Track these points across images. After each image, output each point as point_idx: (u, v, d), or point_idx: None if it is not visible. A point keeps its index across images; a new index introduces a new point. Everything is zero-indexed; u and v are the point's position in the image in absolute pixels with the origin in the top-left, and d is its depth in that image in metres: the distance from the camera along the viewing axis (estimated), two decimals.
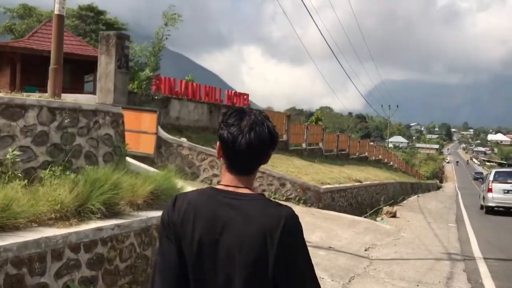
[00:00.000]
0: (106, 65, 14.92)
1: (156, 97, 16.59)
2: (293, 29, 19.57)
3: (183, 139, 15.26)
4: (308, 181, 15.61)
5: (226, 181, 1.67)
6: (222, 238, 1.57)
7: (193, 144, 14.87)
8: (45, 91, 10.49)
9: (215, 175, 14.38)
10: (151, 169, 8.83)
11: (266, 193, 13.80)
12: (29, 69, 21.30)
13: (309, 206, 14.39)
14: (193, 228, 1.59)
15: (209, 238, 1.58)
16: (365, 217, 18.21)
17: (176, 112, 18.12)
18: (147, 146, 14.31)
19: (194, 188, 1.90)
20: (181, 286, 1.61)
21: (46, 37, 23.60)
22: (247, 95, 23.26)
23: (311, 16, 16.14)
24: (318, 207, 14.51)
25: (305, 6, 14.19)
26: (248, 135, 1.59)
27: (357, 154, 37.11)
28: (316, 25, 17.72)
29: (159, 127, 14.68)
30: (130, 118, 14.51)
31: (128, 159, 8.93)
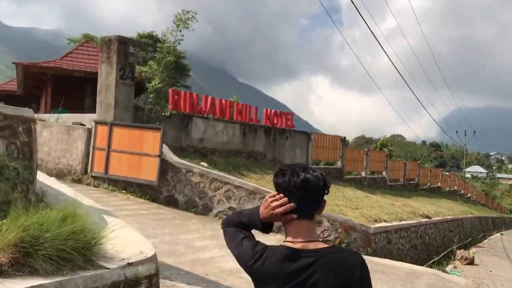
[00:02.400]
0: (107, 76, 12.58)
1: (172, 115, 13.99)
2: (359, 61, 18.78)
3: (191, 164, 12.41)
4: (354, 218, 12.11)
5: (294, 233, 1.79)
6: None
7: (206, 170, 11.99)
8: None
9: (232, 208, 11.36)
10: (89, 202, 5.96)
11: None
12: (60, 90, 19.73)
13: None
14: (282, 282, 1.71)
15: None
16: (433, 263, 14.27)
17: (199, 133, 15.41)
18: (149, 171, 11.66)
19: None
20: None
21: (79, 58, 22.21)
22: (291, 114, 20.21)
23: (380, 46, 14.86)
24: (367, 253, 10.95)
25: (374, 36, 13.71)
26: (304, 175, 1.76)
27: (428, 184, 32.69)
28: (386, 54, 16.65)
29: (165, 148, 11.96)
30: (131, 137, 11.96)
31: (53, 184, 6.17)
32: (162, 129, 11.63)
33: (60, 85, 19.32)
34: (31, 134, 5.40)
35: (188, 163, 12.25)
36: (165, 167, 11.91)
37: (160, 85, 12.96)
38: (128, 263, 4.10)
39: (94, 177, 12.57)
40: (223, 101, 16.63)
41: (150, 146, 11.75)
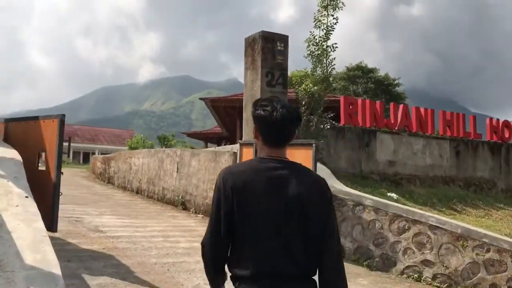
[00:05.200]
0: (252, 84, 9.91)
1: (344, 130, 10.41)
2: None
3: (360, 194, 8.58)
4: None
5: (266, 154, 1.93)
6: (282, 193, 1.83)
7: (382, 202, 8.00)
8: None
9: (427, 263, 7.08)
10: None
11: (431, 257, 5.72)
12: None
13: None
14: (255, 187, 1.83)
15: (271, 194, 1.82)
16: None
17: (387, 154, 11.36)
18: None
19: None
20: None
21: None
22: None
23: None
24: None
25: None
26: (282, 110, 1.87)
27: None
28: None
29: (323, 171, 8.53)
30: None
31: None
32: (314, 145, 8.18)
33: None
34: None
35: (357, 192, 8.44)
36: None
37: (314, 87, 9.56)
38: None
39: None
40: (422, 109, 12.24)
41: None
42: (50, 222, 5.85)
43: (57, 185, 5.81)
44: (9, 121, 6.88)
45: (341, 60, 11.66)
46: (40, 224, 3.43)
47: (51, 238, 6.97)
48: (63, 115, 5.92)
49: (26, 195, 4.01)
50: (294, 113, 1.91)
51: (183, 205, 11.10)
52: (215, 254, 1.88)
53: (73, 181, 17.13)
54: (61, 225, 7.91)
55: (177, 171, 11.58)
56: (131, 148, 22.17)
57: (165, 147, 25.62)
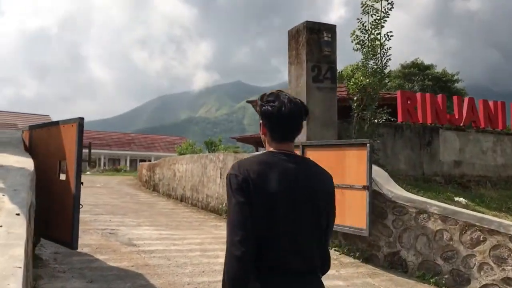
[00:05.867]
0: (297, 80, 9.08)
1: (401, 127, 9.31)
2: None
3: (424, 200, 7.52)
4: None
5: (275, 149, 1.89)
6: (295, 186, 1.81)
7: (450, 209, 6.91)
8: None
9: (509, 281, 5.95)
10: None
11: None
12: None
13: None
14: (268, 179, 1.77)
15: (285, 187, 1.78)
16: None
17: (452, 153, 10.14)
18: (355, 213, 7.44)
19: None
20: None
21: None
22: None
23: None
24: None
25: None
26: (289, 105, 1.85)
27: None
28: None
29: (380, 174, 7.58)
30: (329, 162, 7.96)
31: None
32: (368, 144, 7.18)
33: None
34: None
35: (420, 198, 7.37)
36: (381, 205, 7.35)
37: (367, 80, 8.52)
38: None
39: None
40: (491, 102, 10.87)
41: (353, 172, 7.45)
42: (70, 239, 5.27)
43: (76, 198, 5.22)
44: (33, 128, 6.41)
45: (395, 58, 10.54)
46: (19, 250, 2.75)
47: (79, 254, 6.44)
48: (82, 118, 5.32)
49: (19, 212, 3.38)
50: (302, 107, 1.91)
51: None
52: (249, 263, 1.71)
53: (118, 190, 16.89)
54: (93, 238, 7.38)
55: (220, 177, 10.89)
56: (180, 154, 21.83)
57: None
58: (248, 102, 20.15)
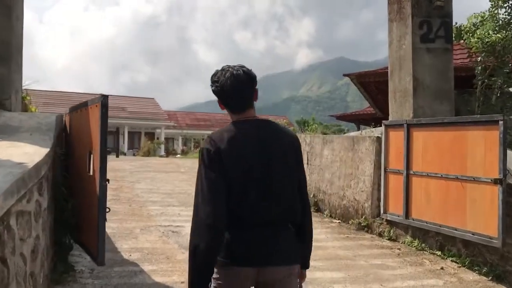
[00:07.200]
0: (399, 42, 7.22)
1: None
2: None
3: None
4: None
5: (236, 119, 2.05)
6: (266, 148, 1.97)
7: None
8: None
9: None
10: None
11: None
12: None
13: None
14: (237, 146, 1.93)
15: (252, 148, 1.95)
16: None
17: None
18: (482, 214, 5.58)
19: None
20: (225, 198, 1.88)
21: None
22: None
23: None
24: None
25: None
26: (230, 80, 1.99)
27: None
28: None
29: (510, 156, 5.56)
30: (442, 146, 6.10)
31: None
32: (501, 122, 5.18)
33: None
34: None
35: None
36: None
37: (495, 35, 6.34)
38: None
39: (390, 222, 7.18)
40: None
41: (477, 160, 5.49)
42: (96, 252, 4.16)
43: (101, 199, 4.05)
44: (71, 111, 5.40)
45: None
46: None
47: (123, 264, 5.32)
48: (106, 97, 4.12)
49: None
50: (244, 76, 2.01)
51: (316, 206, 8.86)
52: (220, 234, 1.84)
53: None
54: (149, 239, 6.32)
55: (307, 163, 9.37)
56: None
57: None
58: (345, 75, 18.27)
